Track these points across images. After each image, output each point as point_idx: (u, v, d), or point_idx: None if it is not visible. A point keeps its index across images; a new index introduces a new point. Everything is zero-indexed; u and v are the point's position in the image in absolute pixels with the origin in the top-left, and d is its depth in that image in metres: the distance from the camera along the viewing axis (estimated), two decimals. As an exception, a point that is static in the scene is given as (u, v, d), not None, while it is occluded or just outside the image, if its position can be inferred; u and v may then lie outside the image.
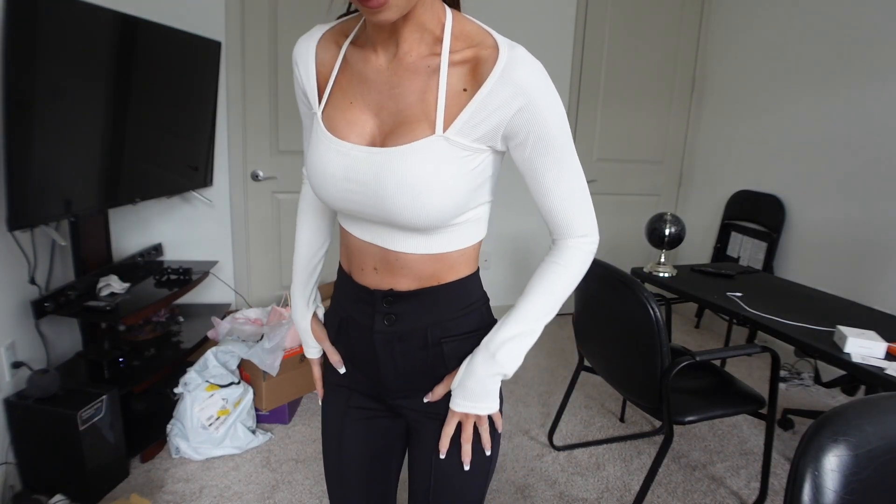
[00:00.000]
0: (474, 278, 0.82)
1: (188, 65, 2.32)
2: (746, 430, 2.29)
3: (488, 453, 0.82)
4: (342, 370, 0.86)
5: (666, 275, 2.19)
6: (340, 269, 0.86)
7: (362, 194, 0.70)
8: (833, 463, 0.64)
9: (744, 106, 3.20)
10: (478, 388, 0.76)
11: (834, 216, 2.68)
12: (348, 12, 0.81)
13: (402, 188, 0.67)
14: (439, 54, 0.69)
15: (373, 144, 0.71)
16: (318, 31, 0.79)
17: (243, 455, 1.98)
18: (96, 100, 1.82)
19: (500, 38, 0.69)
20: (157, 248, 2.57)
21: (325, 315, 0.93)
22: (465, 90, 0.68)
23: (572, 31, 3.17)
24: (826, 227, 2.72)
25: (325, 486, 1.82)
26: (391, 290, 0.77)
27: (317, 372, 0.93)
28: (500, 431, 0.83)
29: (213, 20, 2.50)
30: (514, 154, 0.73)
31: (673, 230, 2.21)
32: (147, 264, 2.40)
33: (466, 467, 0.81)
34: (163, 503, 1.72)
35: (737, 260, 3.18)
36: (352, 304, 0.82)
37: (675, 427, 1.59)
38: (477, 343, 0.78)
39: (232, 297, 2.81)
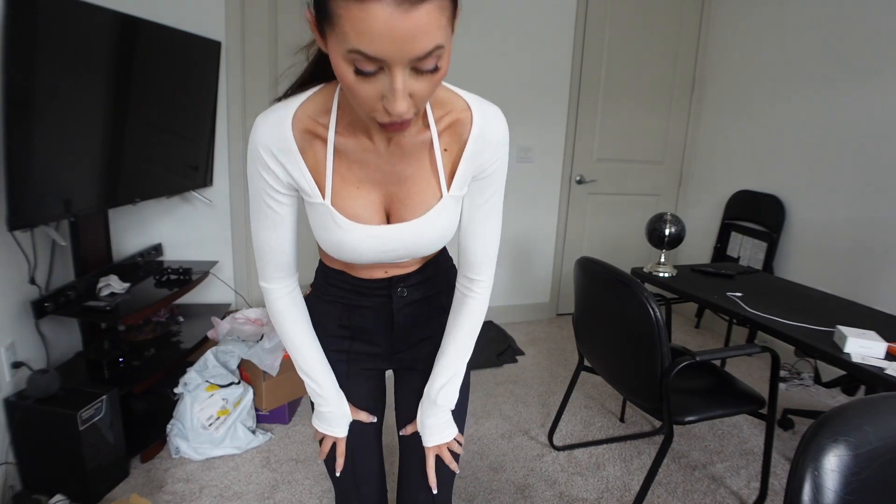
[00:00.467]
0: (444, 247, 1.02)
1: (188, 65, 2.32)
2: (746, 430, 2.29)
3: (456, 468, 1.02)
4: (374, 419, 1.03)
5: (666, 275, 2.19)
6: (332, 270, 0.97)
7: (394, 255, 0.85)
8: (833, 463, 0.64)
9: (744, 106, 3.20)
10: (435, 427, 0.96)
11: (834, 216, 2.68)
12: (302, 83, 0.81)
13: (429, 244, 0.85)
14: (428, 127, 0.79)
15: (389, 216, 0.83)
16: (282, 120, 0.76)
17: (243, 455, 1.98)
18: (96, 100, 1.82)
19: (468, 98, 0.80)
20: (157, 248, 2.57)
21: (318, 312, 0.98)
22: (445, 150, 0.81)
23: (572, 31, 3.17)
24: (826, 227, 2.72)
25: (326, 486, 1.81)
26: (402, 274, 0.95)
27: (342, 448, 0.99)
28: (462, 445, 1.03)
29: (213, 20, 2.50)
30: (468, 189, 0.86)
31: (673, 230, 2.21)
32: (147, 264, 2.40)
33: (456, 470, 1.01)
34: (163, 503, 1.72)
35: (737, 260, 3.18)
36: (359, 294, 0.96)
37: (675, 427, 1.59)
38: (453, 288, 0.98)
39: (232, 297, 2.81)
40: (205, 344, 2.21)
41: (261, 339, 2.09)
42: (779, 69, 2.97)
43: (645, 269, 2.24)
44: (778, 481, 1.93)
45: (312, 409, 1.00)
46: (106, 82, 1.84)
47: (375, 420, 1.03)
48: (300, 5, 2.63)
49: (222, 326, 2.21)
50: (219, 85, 2.54)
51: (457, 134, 0.80)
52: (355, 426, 1.01)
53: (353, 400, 1.01)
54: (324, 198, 0.79)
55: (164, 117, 2.21)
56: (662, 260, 2.25)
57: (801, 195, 2.86)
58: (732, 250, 3.24)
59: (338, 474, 1.00)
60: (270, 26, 2.62)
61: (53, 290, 1.85)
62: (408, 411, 1.04)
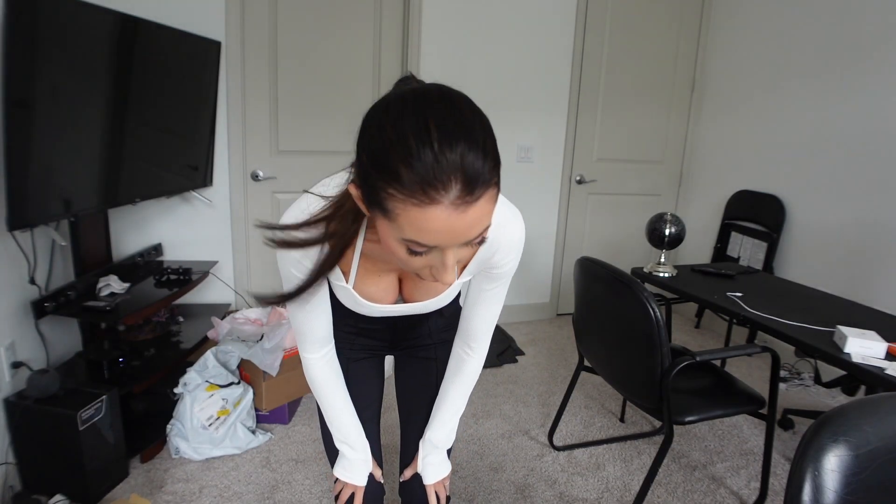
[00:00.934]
0: None
1: (188, 65, 2.32)
2: (746, 430, 2.29)
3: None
4: (382, 480, 1.11)
5: (666, 275, 2.19)
6: (340, 304, 0.99)
7: (405, 319, 1.02)
8: (833, 463, 0.64)
9: (744, 106, 3.20)
10: (434, 466, 1.08)
11: (834, 216, 2.68)
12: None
13: (437, 306, 0.97)
14: None
15: (402, 294, 0.94)
16: (311, 245, 0.80)
17: (243, 455, 1.98)
18: (96, 99, 1.82)
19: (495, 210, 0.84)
20: (157, 248, 2.57)
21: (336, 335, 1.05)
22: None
23: (572, 31, 3.16)
24: (826, 227, 2.72)
25: (325, 486, 1.81)
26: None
27: (360, 499, 1.05)
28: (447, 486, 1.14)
29: (213, 20, 2.50)
30: (476, 276, 0.94)
31: (673, 230, 2.21)
32: (147, 264, 2.40)
33: None
34: (163, 503, 1.72)
35: (737, 260, 3.18)
36: (365, 323, 1.05)
37: (675, 427, 1.58)
38: (452, 303, 1.09)
39: (232, 297, 2.81)
40: (205, 344, 2.21)
41: (261, 339, 2.09)
42: (779, 69, 2.97)
43: (645, 269, 2.24)
44: (778, 481, 1.93)
45: (331, 460, 1.07)
46: (106, 82, 1.84)
47: (382, 481, 1.11)
48: (300, 5, 2.63)
49: (222, 326, 2.21)
50: (219, 85, 2.54)
51: None
52: (354, 396, 1.08)
53: (354, 377, 1.08)
54: (347, 283, 0.87)
55: (164, 117, 2.21)
56: (662, 260, 2.25)
57: (801, 195, 2.86)
58: (732, 250, 3.24)
59: None
60: (270, 26, 2.62)
61: (53, 290, 1.85)
62: (406, 392, 1.17)
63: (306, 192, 0.80)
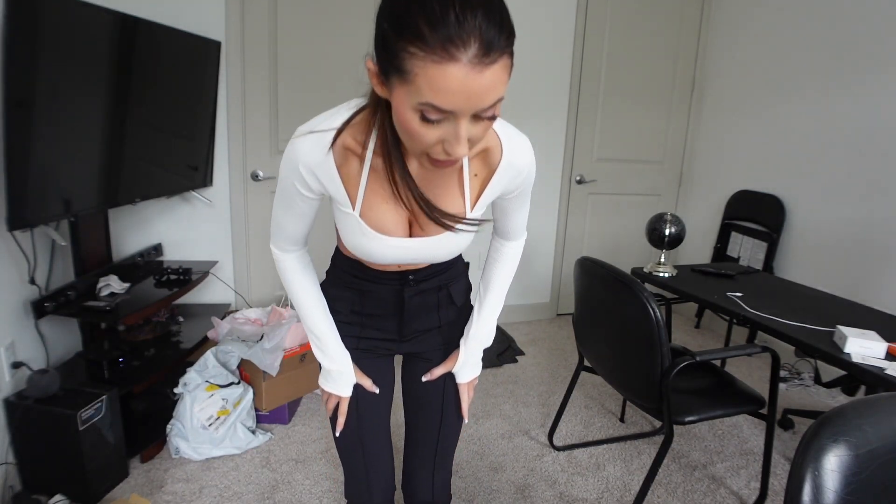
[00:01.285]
0: None
1: (188, 65, 2.32)
2: (746, 430, 2.29)
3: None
4: (377, 391, 1.06)
5: (666, 275, 2.19)
6: (347, 258, 1.01)
7: (411, 261, 0.93)
8: (833, 463, 0.64)
9: (744, 106, 3.20)
10: (469, 364, 1.08)
11: (834, 216, 2.68)
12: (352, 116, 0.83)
13: (446, 255, 0.93)
14: None
15: (412, 230, 0.89)
16: (324, 140, 0.79)
17: (243, 455, 1.98)
18: (96, 99, 1.82)
19: (498, 128, 0.84)
20: (157, 248, 2.57)
21: (332, 296, 1.03)
22: (475, 175, 0.87)
23: (572, 31, 3.17)
24: (826, 227, 2.72)
25: (325, 486, 1.81)
26: (415, 269, 1.01)
27: (345, 408, 1.04)
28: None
29: (213, 20, 2.50)
30: (497, 200, 0.95)
31: (673, 230, 2.21)
32: (147, 264, 2.40)
33: (466, 419, 1.12)
34: (163, 503, 1.72)
35: (737, 260, 3.18)
36: (372, 282, 1.01)
37: (675, 427, 1.58)
38: (463, 280, 1.11)
39: (232, 297, 2.81)
40: (205, 344, 2.21)
41: (261, 339, 2.09)
42: (779, 69, 2.97)
43: (645, 269, 2.24)
44: (778, 481, 1.93)
45: (320, 369, 1.04)
46: (106, 82, 1.84)
47: (377, 391, 1.06)
48: (300, 5, 2.63)
49: (222, 326, 2.21)
50: (219, 85, 2.54)
51: (486, 161, 0.86)
52: (364, 411, 1.06)
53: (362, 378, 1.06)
54: (353, 209, 0.84)
55: (164, 117, 2.21)
56: (662, 260, 2.25)
57: (801, 195, 2.86)
58: (732, 250, 3.24)
59: (337, 434, 1.05)
60: (270, 26, 2.62)
61: (53, 290, 1.85)
62: (416, 397, 1.13)
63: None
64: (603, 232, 3.57)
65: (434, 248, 0.90)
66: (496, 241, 1.06)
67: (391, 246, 0.87)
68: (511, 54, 0.64)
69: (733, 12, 3.27)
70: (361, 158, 0.81)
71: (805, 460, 0.64)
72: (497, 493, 1.84)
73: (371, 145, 0.80)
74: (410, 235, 0.90)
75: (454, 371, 1.08)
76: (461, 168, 0.86)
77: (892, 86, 2.42)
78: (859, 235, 2.56)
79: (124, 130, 1.97)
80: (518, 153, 0.86)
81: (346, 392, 1.02)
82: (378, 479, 1.10)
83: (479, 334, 1.06)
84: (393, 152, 0.77)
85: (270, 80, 2.68)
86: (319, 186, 0.83)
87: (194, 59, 2.35)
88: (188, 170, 2.44)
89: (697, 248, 3.54)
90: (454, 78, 0.59)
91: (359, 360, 1.05)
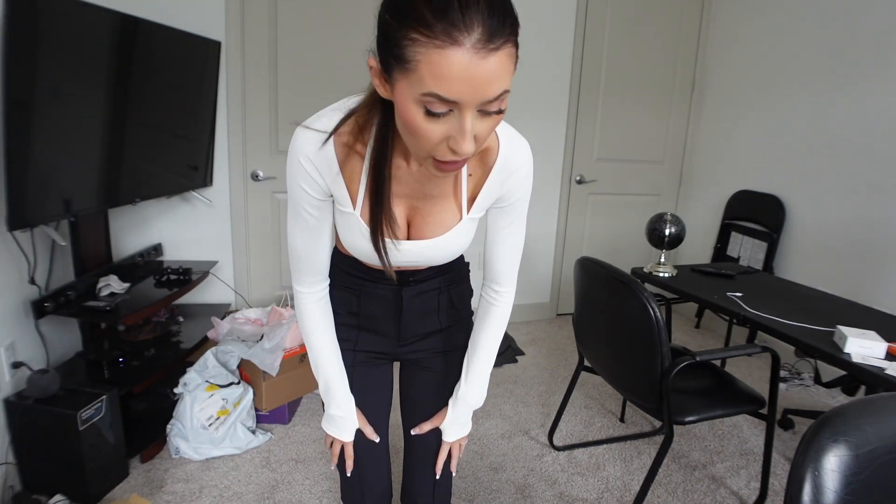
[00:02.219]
0: None
1: (188, 65, 2.32)
2: (746, 430, 2.29)
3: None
4: (377, 440, 1.05)
5: (666, 275, 2.18)
6: (346, 257, 0.99)
7: (410, 264, 0.92)
8: (833, 463, 0.64)
9: (744, 106, 3.20)
10: (457, 424, 1.05)
11: (834, 216, 2.68)
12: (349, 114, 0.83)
13: (444, 258, 0.92)
14: None
15: (409, 231, 0.88)
16: (322, 138, 0.79)
17: (243, 455, 1.98)
18: (96, 99, 1.82)
19: (498, 129, 0.83)
20: (157, 248, 2.57)
21: (330, 295, 1.01)
22: (470, 175, 0.86)
23: (572, 31, 3.17)
24: (826, 227, 2.72)
25: (325, 486, 1.81)
26: (414, 271, 0.99)
27: (350, 451, 1.03)
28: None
29: (213, 20, 2.50)
30: (491, 213, 0.93)
31: (673, 230, 2.21)
32: (147, 264, 2.40)
33: (454, 473, 1.10)
34: (163, 503, 1.72)
35: (737, 260, 3.18)
36: (369, 281, 1.00)
37: (675, 427, 1.58)
38: (465, 284, 1.09)
39: (232, 297, 2.81)
40: (205, 344, 2.21)
41: (261, 339, 2.09)
42: (779, 69, 2.97)
43: (645, 269, 2.24)
44: (778, 481, 1.93)
45: (324, 409, 1.04)
46: (106, 82, 1.84)
47: (377, 440, 1.06)
48: (300, 5, 2.63)
49: (222, 326, 2.21)
50: (219, 85, 2.54)
51: (482, 160, 0.85)
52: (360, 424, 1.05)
53: (359, 389, 1.04)
54: (354, 208, 0.83)
55: (163, 117, 2.21)
56: (662, 260, 2.25)
57: (801, 195, 2.86)
58: (732, 250, 3.24)
59: (349, 474, 1.04)
60: (270, 26, 2.62)
61: (53, 290, 1.85)
62: (414, 407, 1.11)
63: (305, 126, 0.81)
64: (603, 232, 3.57)
65: (432, 250, 0.89)
66: (484, 294, 1.03)
67: (390, 248, 0.86)
68: (516, 44, 0.62)
69: (733, 12, 3.27)
70: (362, 156, 0.81)
71: (805, 460, 0.64)
72: (497, 493, 1.84)
73: (371, 143, 0.80)
74: (409, 238, 0.89)
75: (441, 428, 1.06)
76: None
77: (893, 86, 2.42)
78: (859, 235, 2.56)
79: (124, 130, 1.97)
80: (515, 152, 0.85)
81: (347, 437, 1.02)
82: (372, 494, 1.09)
83: (468, 396, 1.03)
84: (380, 151, 0.77)
85: (270, 80, 2.68)
86: (323, 182, 0.81)
87: (194, 59, 2.35)
88: (188, 170, 2.44)
89: (697, 248, 3.54)
90: (457, 63, 0.58)
91: (356, 370, 1.03)
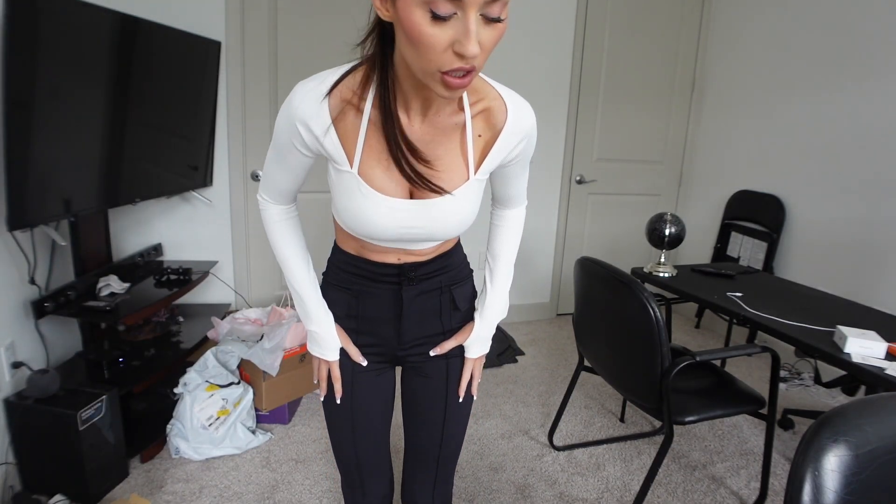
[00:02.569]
0: (459, 239, 1.07)
1: (188, 65, 2.32)
2: (746, 430, 2.29)
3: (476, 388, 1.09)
4: (365, 363, 1.01)
5: (666, 275, 2.18)
6: (344, 253, 0.98)
7: (415, 233, 0.87)
8: (833, 463, 0.64)
9: (744, 106, 3.20)
10: (479, 340, 1.04)
11: (834, 216, 2.68)
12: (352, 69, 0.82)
13: (452, 224, 0.87)
14: (463, 110, 0.83)
15: (413, 192, 0.85)
16: (318, 92, 0.78)
17: (243, 455, 1.98)
18: (96, 99, 1.82)
19: (500, 89, 0.85)
20: (157, 248, 2.57)
21: (328, 299, 1.00)
22: (479, 136, 0.85)
23: (572, 31, 3.17)
24: (826, 227, 2.72)
25: (325, 486, 1.81)
26: (414, 262, 0.96)
27: (337, 372, 1.00)
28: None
29: (213, 20, 2.50)
30: (498, 168, 0.91)
31: (673, 230, 2.21)
32: (147, 264, 2.40)
33: (475, 395, 1.09)
34: (163, 503, 1.72)
35: (737, 260, 3.18)
36: (369, 279, 0.97)
37: (675, 427, 1.58)
38: (468, 285, 1.05)
39: (232, 297, 2.81)
40: (205, 344, 2.21)
41: (261, 339, 2.09)
42: (779, 69, 2.97)
43: (645, 269, 2.24)
44: (778, 481, 1.93)
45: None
46: (106, 82, 1.84)
47: (365, 363, 1.01)
48: (300, 5, 2.63)
49: (222, 326, 2.21)
50: (219, 85, 2.54)
51: (490, 122, 0.85)
52: (360, 427, 1.04)
53: (359, 395, 1.02)
54: (351, 166, 0.81)
55: (164, 117, 2.21)
56: (662, 260, 2.25)
57: (801, 195, 2.86)
58: (732, 250, 3.24)
59: (338, 401, 1.01)
60: (270, 26, 2.62)
61: (53, 290, 1.85)
62: (415, 414, 1.09)
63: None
64: (603, 232, 3.57)
65: (436, 213, 0.85)
66: (498, 210, 1.04)
67: (391, 208, 0.83)
68: None
69: (733, 13, 3.27)
70: (359, 111, 0.79)
71: (805, 460, 0.64)
72: (497, 493, 1.84)
73: (370, 97, 0.79)
74: (411, 197, 0.85)
75: (465, 345, 1.03)
76: (464, 128, 0.83)
77: (893, 86, 2.42)
78: (859, 235, 2.56)
79: (124, 130, 1.97)
80: (522, 115, 0.86)
81: (331, 356, 0.99)
82: (374, 495, 1.09)
83: (493, 304, 1.03)
84: (389, 104, 0.77)
85: (270, 80, 2.68)
86: (315, 143, 0.80)
87: (194, 59, 2.35)
88: (188, 170, 2.44)
89: (697, 248, 3.54)
90: None
91: (356, 376, 1.01)
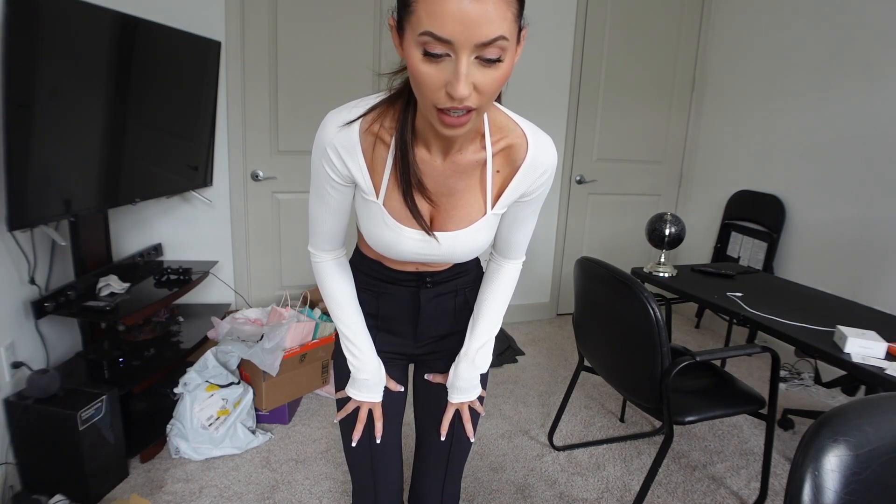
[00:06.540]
0: None
1: (188, 65, 2.32)
2: (746, 430, 2.29)
3: (474, 426, 1.09)
4: (402, 389, 1.08)
5: (666, 275, 2.18)
6: (366, 258, 1.02)
7: (433, 259, 0.91)
8: (833, 463, 0.64)
9: (744, 106, 3.20)
10: (466, 386, 1.03)
11: (834, 216, 2.68)
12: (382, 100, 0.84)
13: (465, 254, 0.92)
14: (484, 148, 0.85)
15: (433, 224, 0.88)
16: (347, 118, 0.80)
17: (243, 455, 1.98)
18: (96, 100, 1.81)
19: (524, 126, 0.86)
20: (157, 248, 2.57)
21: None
22: (498, 171, 0.87)
23: (572, 31, 3.17)
24: (826, 227, 2.72)
25: (325, 486, 1.81)
26: (432, 271, 1.00)
27: (379, 411, 1.02)
28: (482, 409, 1.10)
29: (213, 20, 2.50)
30: (512, 205, 0.92)
31: (673, 230, 2.21)
32: (147, 264, 2.40)
33: (472, 440, 1.08)
34: (163, 503, 1.72)
35: (737, 260, 3.18)
36: (388, 282, 1.01)
37: (675, 427, 1.58)
38: (478, 288, 1.06)
39: (232, 297, 2.81)
40: (205, 344, 2.21)
41: (261, 339, 2.09)
42: (779, 69, 2.97)
43: (645, 269, 2.24)
44: (778, 481, 1.93)
45: (339, 383, 1.04)
46: (106, 82, 1.84)
47: (402, 389, 1.07)
48: (300, 5, 2.63)
49: (222, 326, 2.21)
50: (219, 85, 2.54)
51: (510, 158, 0.86)
52: (379, 454, 1.06)
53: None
54: (377, 197, 0.84)
55: (164, 117, 2.21)
56: (662, 260, 2.25)
57: (801, 195, 2.86)
58: (732, 250, 3.24)
59: (378, 440, 1.03)
60: (270, 26, 2.62)
61: (53, 290, 1.85)
62: (425, 411, 1.12)
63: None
64: (603, 232, 3.57)
65: (454, 244, 0.89)
66: (495, 260, 1.03)
67: (411, 238, 0.87)
68: None
69: (733, 12, 3.27)
70: (385, 144, 0.82)
71: (805, 460, 0.64)
72: (497, 493, 1.84)
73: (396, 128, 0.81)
74: (432, 230, 0.88)
75: (447, 387, 1.05)
76: (484, 164, 0.85)
77: (893, 86, 2.42)
78: (859, 235, 2.56)
79: (124, 130, 1.97)
80: (542, 151, 0.86)
81: (377, 397, 1.01)
82: (386, 495, 1.10)
83: (468, 354, 1.01)
84: (403, 135, 0.79)
85: (270, 80, 2.68)
86: (344, 168, 0.83)
87: (194, 59, 2.35)
88: (188, 170, 2.44)
89: (697, 248, 3.54)
90: (449, 2, 0.60)
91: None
